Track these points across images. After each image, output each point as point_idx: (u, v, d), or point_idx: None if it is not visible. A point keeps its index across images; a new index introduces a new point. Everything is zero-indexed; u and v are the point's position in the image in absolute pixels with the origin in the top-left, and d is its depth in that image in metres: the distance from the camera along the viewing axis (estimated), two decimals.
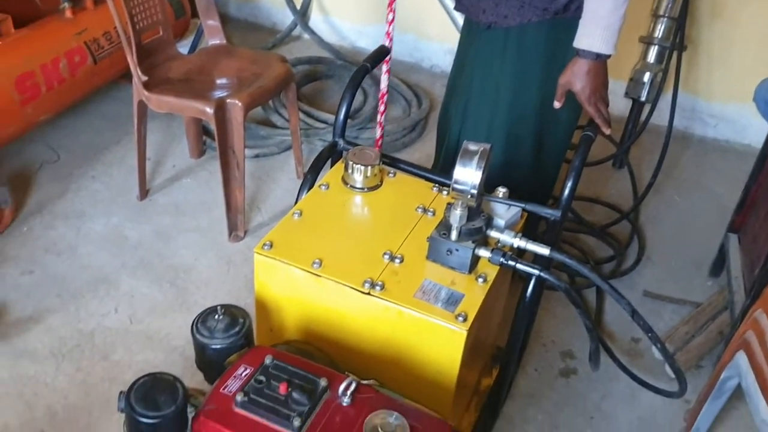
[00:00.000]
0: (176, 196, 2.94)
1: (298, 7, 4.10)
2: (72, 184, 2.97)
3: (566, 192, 1.71)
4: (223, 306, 1.52)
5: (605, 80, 1.80)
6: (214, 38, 2.92)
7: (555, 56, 1.91)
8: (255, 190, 2.98)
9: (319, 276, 1.52)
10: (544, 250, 1.55)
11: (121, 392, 1.32)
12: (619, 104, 3.28)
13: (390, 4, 2.64)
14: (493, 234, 1.59)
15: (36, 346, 2.27)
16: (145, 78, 2.57)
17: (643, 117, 3.07)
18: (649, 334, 1.56)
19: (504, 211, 1.64)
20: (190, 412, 1.37)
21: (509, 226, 1.63)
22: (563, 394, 2.23)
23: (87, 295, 2.47)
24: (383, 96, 2.82)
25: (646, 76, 3.00)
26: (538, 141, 2.06)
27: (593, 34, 1.73)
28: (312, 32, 4.09)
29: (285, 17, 4.20)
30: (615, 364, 1.96)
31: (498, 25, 1.93)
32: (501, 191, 1.64)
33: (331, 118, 3.24)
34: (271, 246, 1.58)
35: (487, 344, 1.92)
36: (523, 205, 1.64)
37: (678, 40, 2.91)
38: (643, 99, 3.03)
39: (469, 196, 1.45)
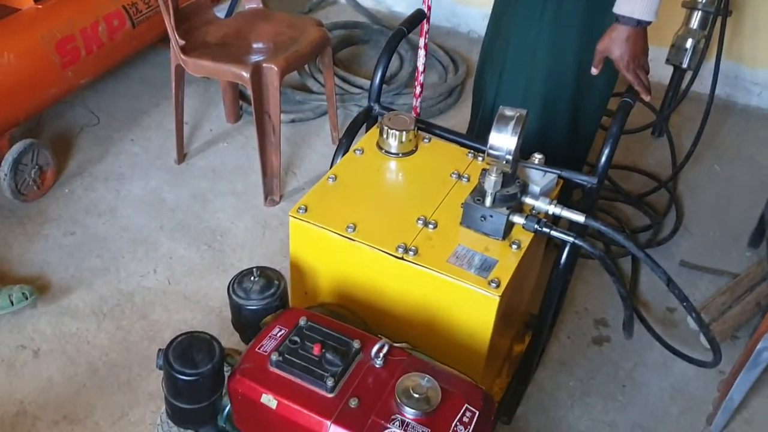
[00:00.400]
0: (213, 160, 2.97)
1: None
2: (111, 147, 3.02)
3: (603, 159, 1.69)
4: (258, 268, 1.55)
5: (645, 48, 1.76)
6: (251, 2, 2.92)
7: (593, 21, 1.88)
8: (290, 154, 2.99)
9: (353, 240, 1.54)
10: (579, 217, 1.54)
11: (159, 350, 1.36)
12: (659, 71, 3.22)
13: None
14: (528, 200, 1.59)
15: (78, 304, 2.34)
16: (182, 42, 2.59)
17: (685, 84, 3.01)
18: (684, 303, 1.55)
19: (539, 177, 1.63)
20: (226, 371, 1.41)
21: (544, 193, 1.62)
22: (595, 362, 2.23)
23: (126, 256, 2.52)
24: (421, 62, 2.79)
25: (689, 43, 2.92)
26: (574, 107, 2.04)
27: None
28: None
29: None
30: (649, 333, 1.96)
31: None
32: (537, 158, 1.63)
33: (366, 83, 3.23)
34: (306, 210, 1.60)
35: (520, 311, 1.92)
36: (558, 172, 1.63)
37: (722, 5, 2.83)
38: (684, 66, 2.96)
39: (504, 162, 1.45)
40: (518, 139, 1.42)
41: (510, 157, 1.43)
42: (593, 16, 1.88)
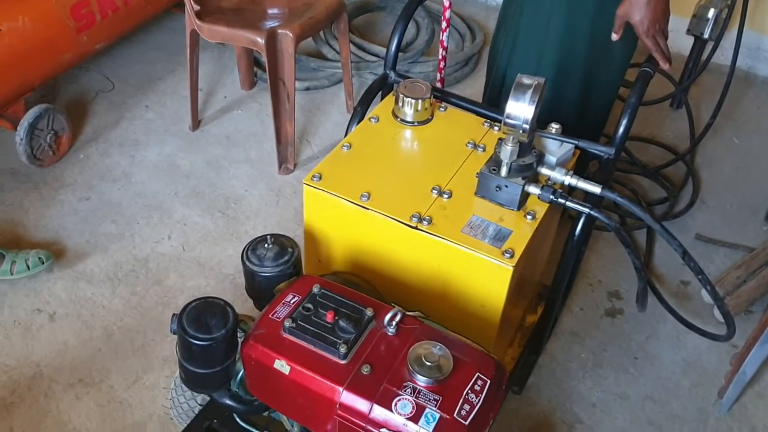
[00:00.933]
0: (227, 127, 2.97)
1: None
2: (126, 113, 3.02)
3: (621, 130, 1.67)
4: (272, 235, 1.55)
5: (666, 12, 1.72)
6: None
7: None
8: (305, 122, 2.98)
9: (367, 209, 1.53)
10: (595, 189, 1.53)
11: (173, 315, 1.37)
12: (680, 41, 3.16)
13: None
14: (544, 171, 1.57)
15: (93, 269, 2.36)
16: (197, 7, 2.57)
17: (705, 55, 2.95)
18: (699, 276, 1.54)
19: (556, 147, 1.61)
20: (240, 337, 1.41)
21: (561, 164, 1.60)
22: (608, 334, 2.23)
23: (141, 221, 2.53)
24: (446, 34, 2.74)
25: (711, 12, 2.87)
26: (589, 77, 2.00)
27: None
28: None
29: None
30: (662, 306, 1.95)
31: None
32: (554, 127, 1.61)
33: (382, 51, 3.19)
34: (320, 178, 1.59)
35: (534, 281, 1.92)
36: (575, 142, 1.61)
37: None
38: (706, 36, 2.90)
39: (520, 132, 1.43)
40: (535, 108, 1.41)
41: (527, 127, 1.42)
42: None
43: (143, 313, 2.22)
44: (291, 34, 2.46)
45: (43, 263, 2.27)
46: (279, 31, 2.48)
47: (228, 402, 1.49)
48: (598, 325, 2.26)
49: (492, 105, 2.05)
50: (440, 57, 2.80)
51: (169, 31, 3.45)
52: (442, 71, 2.84)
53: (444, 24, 2.69)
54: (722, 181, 2.80)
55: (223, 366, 1.40)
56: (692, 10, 2.93)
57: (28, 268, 2.26)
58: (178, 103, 3.06)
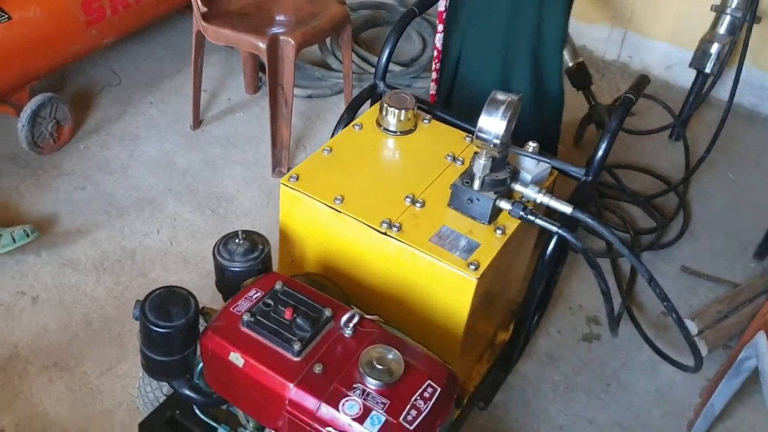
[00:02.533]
0: (228, 129, 3.01)
1: None
2: (130, 108, 3.07)
3: (599, 153, 1.68)
4: (244, 231, 1.58)
5: None
6: None
7: None
8: (303, 129, 3.02)
9: (339, 212, 1.55)
10: (566, 208, 1.54)
11: (137, 301, 1.39)
12: (683, 74, 3.17)
13: None
14: (518, 188, 1.58)
15: (80, 257, 2.39)
16: (204, 9, 2.62)
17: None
18: (665, 303, 1.54)
19: (532, 166, 1.63)
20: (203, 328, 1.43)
21: (536, 182, 1.62)
22: (583, 359, 2.23)
23: (133, 214, 2.57)
24: (439, 45, 2.77)
25: (714, 48, 2.87)
26: (534, 57, 2.14)
27: None
28: None
29: None
30: (639, 334, 1.95)
31: None
32: (531, 146, 1.62)
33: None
34: (298, 178, 1.62)
35: (505, 298, 1.93)
36: (550, 162, 1.63)
37: (751, 11, 2.77)
38: (707, 71, 2.91)
39: (491, 146, 1.45)
40: (507, 123, 1.42)
41: (497, 141, 1.43)
42: None
43: (124, 304, 2.25)
44: (292, 41, 2.50)
45: (28, 236, 2.31)
46: (281, 37, 2.52)
47: (187, 392, 1.50)
48: (574, 349, 2.26)
49: (446, 101, 2.20)
50: (434, 68, 2.82)
51: (179, 31, 3.50)
52: (437, 81, 2.86)
53: (440, 28, 2.72)
54: (713, 215, 2.79)
55: (182, 355, 1.42)
56: (696, 43, 2.94)
57: (14, 240, 2.29)
58: (182, 101, 3.10)
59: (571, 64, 2.83)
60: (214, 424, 1.61)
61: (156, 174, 2.75)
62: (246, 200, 2.66)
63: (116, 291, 2.29)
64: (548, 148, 1.80)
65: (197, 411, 1.62)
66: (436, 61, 2.82)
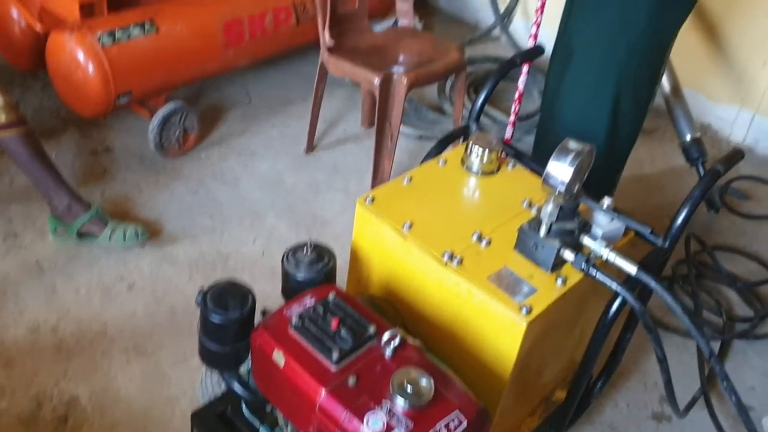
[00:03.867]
0: (337, 157, 3.14)
1: (503, 9, 4.15)
2: (254, 127, 3.27)
3: (679, 221, 1.64)
4: (313, 243, 1.65)
5: None
6: (404, 20, 3.07)
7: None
8: (408, 166, 3.09)
9: (405, 238, 1.60)
10: (631, 268, 1.51)
11: (200, 289, 1.49)
12: None
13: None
14: (587, 241, 1.57)
15: (179, 254, 2.56)
16: (331, 43, 2.78)
17: None
18: (725, 383, 1.47)
19: (605, 222, 1.61)
20: None
21: (607, 239, 1.60)
22: None
23: (234, 222, 2.72)
24: (519, 95, 2.79)
25: None
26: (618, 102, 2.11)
27: None
28: (509, 36, 4.13)
29: (489, 16, 4.27)
30: (712, 423, 1.85)
31: None
32: (606, 201, 1.61)
33: (499, 116, 3.27)
34: (373, 200, 1.68)
35: (568, 355, 1.89)
36: (624, 221, 1.60)
37: None
38: None
39: (557, 192, 1.45)
40: (575, 170, 1.42)
41: (562, 188, 1.44)
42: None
43: None
44: (405, 80, 2.60)
45: (137, 237, 2.50)
46: (395, 75, 2.62)
47: (236, 386, 1.58)
48: (639, 425, 2.16)
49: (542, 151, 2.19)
50: (513, 110, 2.84)
51: (312, 63, 3.66)
52: (514, 124, 2.87)
53: (521, 84, 2.75)
54: None
55: (234, 347, 1.50)
56: None
57: (124, 239, 2.49)
58: (301, 127, 3.27)
59: (688, 139, 2.77)
60: (257, 425, 1.67)
61: (263, 189, 2.91)
62: (339, 225, 2.76)
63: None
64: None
65: (245, 409, 1.69)
66: (514, 113, 2.84)
